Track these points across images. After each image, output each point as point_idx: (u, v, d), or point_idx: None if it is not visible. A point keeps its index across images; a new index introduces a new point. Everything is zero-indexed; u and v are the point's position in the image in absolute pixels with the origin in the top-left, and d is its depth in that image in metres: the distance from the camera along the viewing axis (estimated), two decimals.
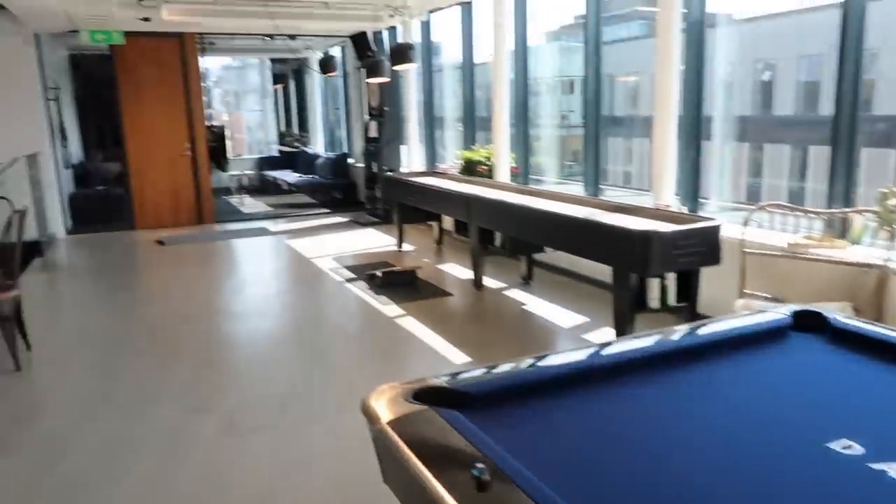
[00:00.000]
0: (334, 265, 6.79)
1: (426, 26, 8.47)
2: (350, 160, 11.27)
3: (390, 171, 8.70)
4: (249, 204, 11.41)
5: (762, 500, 1.26)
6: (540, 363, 1.86)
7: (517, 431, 1.50)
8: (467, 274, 6.06)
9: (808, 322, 2.07)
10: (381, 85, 8.86)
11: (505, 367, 1.80)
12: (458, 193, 6.00)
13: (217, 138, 11.51)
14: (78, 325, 5.36)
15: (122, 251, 8.14)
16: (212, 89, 17.27)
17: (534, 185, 6.74)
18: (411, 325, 4.89)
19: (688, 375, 1.81)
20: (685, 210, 4.81)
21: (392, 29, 8.87)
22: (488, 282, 5.88)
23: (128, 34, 8.10)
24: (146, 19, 7.08)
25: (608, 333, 4.41)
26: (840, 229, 3.99)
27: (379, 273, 5.96)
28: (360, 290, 5.82)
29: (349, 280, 6.19)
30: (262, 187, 12.98)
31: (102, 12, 6.77)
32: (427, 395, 1.55)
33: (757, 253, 3.90)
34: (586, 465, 1.39)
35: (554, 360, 1.94)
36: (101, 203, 9.42)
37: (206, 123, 9.91)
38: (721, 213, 4.97)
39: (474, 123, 7.94)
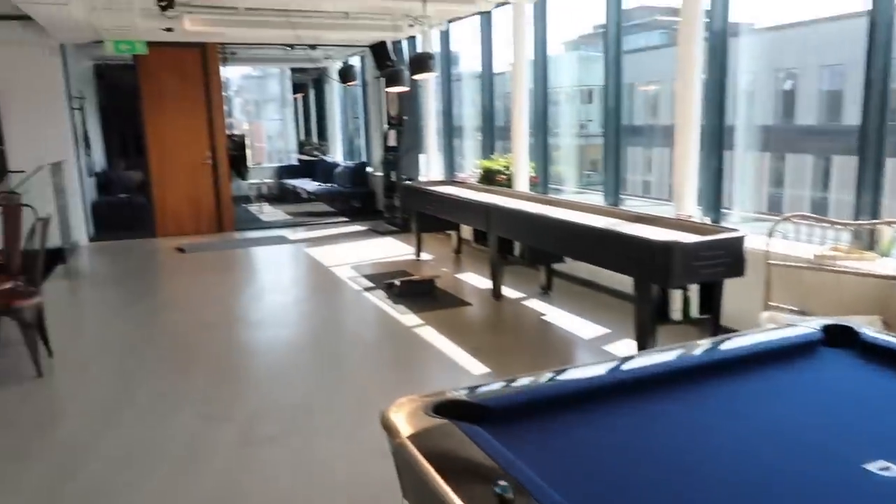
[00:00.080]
0: (353, 274, 6.80)
1: (445, 36, 8.50)
2: (369, 169, 11.33)
3: (409, 179, 8.71)
4: (269, 212, 11.49)
5: None
6: (560, 377, 1.83)
7: (538, 447, 1.47)
8: (486, 284, 6.03)
9: (836, 336, 2.02)
10: (400, 94, 8.90)
11: (524, 381, 1.77)
12: (477, 203, 5.98)
13: (237, 147, 11.61)
14: (99, 332, 5.42)
15: (144, 258, 8.23)
16: (233, 98, 17.46)
17: (553, 195, 6.69)
18: (429, 334, 4.87)
19: (715, 391, 1.77)
20: (707, 221, 4.75)
21: (411, 38, 8.90)
22: (507, 292, 5.85)
23: (150, 44, 8.21)
24: (169, 29, 7.17)
25: (629, 345, 4.36)
26: (868, 241, 3.91)
27: (397, 282, 5.95)
28: (379, 299, 5.81)
29: (367, 289, 6.19)
30: (281, 196, 13.08)
31: (126, 23, 6.87)
32: (447, 409, 1.52)
33: (782, 265, 3.84)
34: (610, 484, 1.36)
35: (574, 373, 1.91)
36: (123, 211, 9.57)
37: (227, 132, 10.01)
38: (743, 223, 4.89)
39: (493, 133, 7.93)
